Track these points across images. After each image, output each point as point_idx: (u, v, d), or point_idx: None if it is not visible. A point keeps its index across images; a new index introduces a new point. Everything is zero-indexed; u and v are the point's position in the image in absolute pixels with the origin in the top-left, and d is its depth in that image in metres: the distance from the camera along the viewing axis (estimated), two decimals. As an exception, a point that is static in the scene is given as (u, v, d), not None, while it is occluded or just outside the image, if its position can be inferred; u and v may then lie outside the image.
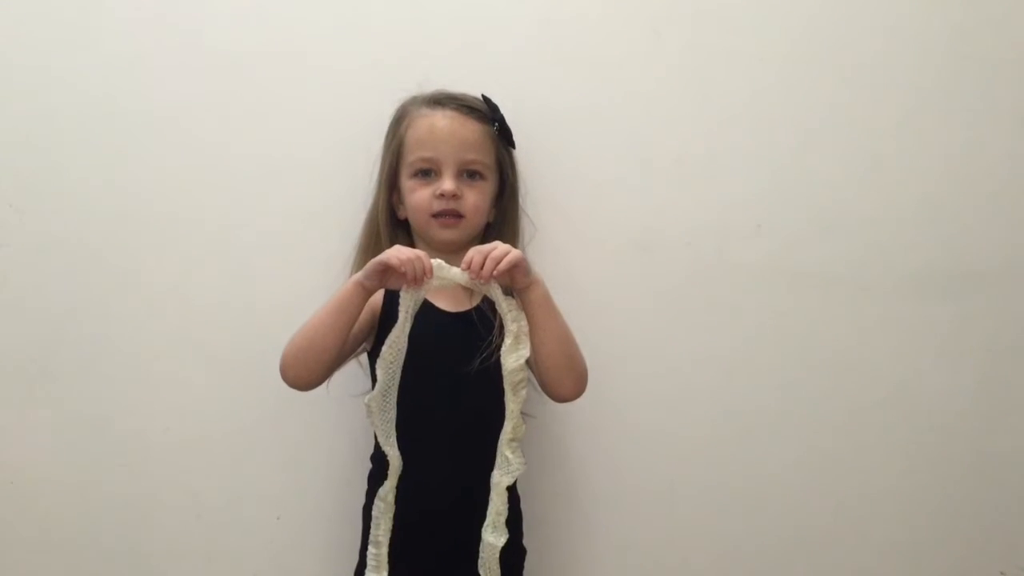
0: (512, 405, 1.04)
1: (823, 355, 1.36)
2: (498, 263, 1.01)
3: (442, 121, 1.16)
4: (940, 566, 1.39)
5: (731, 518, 1.36)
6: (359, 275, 1.05)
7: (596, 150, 1.32)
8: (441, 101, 1.18)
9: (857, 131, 1.35)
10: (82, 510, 1.31)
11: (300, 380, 1.09)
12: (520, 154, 1.24)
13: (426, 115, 1.17)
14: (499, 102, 1.20)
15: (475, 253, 1.02)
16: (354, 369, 1.21)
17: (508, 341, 1.03)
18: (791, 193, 1.34)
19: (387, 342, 1.03)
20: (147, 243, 1.30)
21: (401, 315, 1.02)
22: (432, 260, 1.02)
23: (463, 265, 1.02)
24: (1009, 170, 1.37)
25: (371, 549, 1.08)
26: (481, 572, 1.06)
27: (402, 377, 1.05)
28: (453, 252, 1.09)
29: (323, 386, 1.12)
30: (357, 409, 1.23)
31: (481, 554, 1.06)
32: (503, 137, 1.20)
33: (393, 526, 1.08)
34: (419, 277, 1.01)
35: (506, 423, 1.04)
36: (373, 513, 1.08)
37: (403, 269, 1.00)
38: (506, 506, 1.05)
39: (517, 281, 1.04)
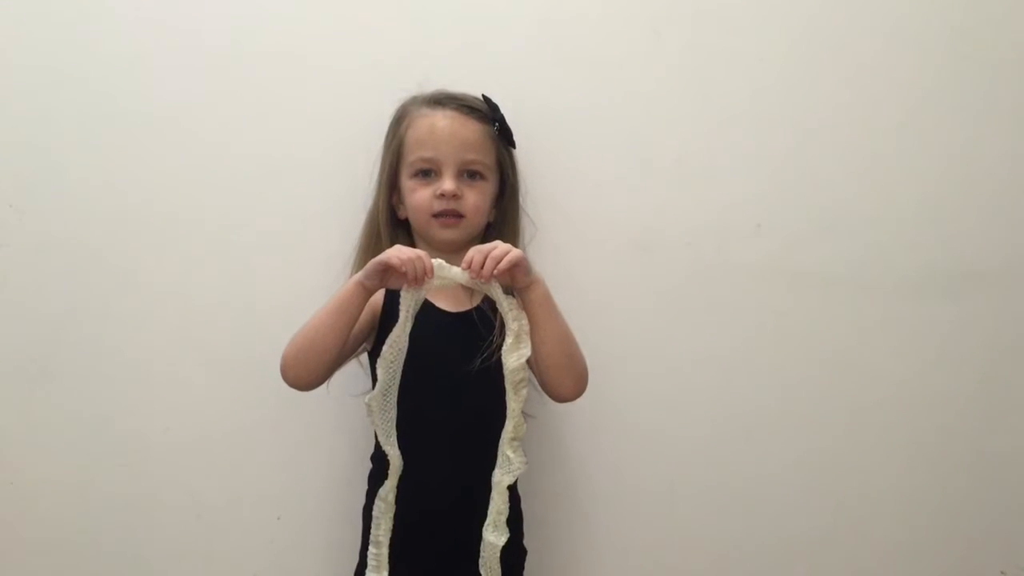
0: (513, 404, 1.04)
1: (823, 355, 1.36)
2: (498, 262, 1.01)
3: (442, 121, 1.16)
4: (940, 566, 1.39)
5: (731, 518, 1.36)
6: (359, 275, 1.05)
7: (596, 150, 1.32)
8: (441, 101, 1.18)
9: (857, 131, 1.35)
10: (82, 510, 1.31)
11: (300, 380, 1.09)
12: (520, 154, 1.24)
13: (426, 115, 1.17)
14: (499, 102, 1.20)
15: (475, 252, 1.02)
16: (354, 369, 1.21)
17: (509, 340, 1.03)
18: (791, 193, 1.34)
19: (388, 342, 1.03)
20: (147, 243, 1.29)
21: (402, 315, 1.02)
22: (432, 260, 1.02)
23: (463, 264, 1.02)
24: (1009, 170, 1.37)
25: (372, 549, 1.08)
26: (482, 571, 1.06)
27: (402, 377, 1.05)
28: (453, 252, 1.08)
29: (323, 386, 1.12)
30: (357, 409, 1.23)
31: (482, 553, 1.06)
32: (503, 137, 1.20)
33: (393, 526, 1.08)
34: (420, 277, 1.01)
35: (507, 422, 1.04)
36: (374, 513, 1.08)
37: (404, 269, 1.00)
38: (507, 505, 1.05)
39: (518, 280, 1.04)
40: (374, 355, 1.11)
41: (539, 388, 1.12)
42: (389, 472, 1.07)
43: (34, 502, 1.30)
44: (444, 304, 1.15)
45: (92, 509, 1.31)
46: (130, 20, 1.28)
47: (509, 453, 1.04)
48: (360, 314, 1.07)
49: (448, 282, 1.03)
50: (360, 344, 1.15)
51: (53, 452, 1.30)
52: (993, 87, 1.36)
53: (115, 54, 1.28)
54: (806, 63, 1.34)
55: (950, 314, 1.37)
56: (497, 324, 1.10)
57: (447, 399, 1.12)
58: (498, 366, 1.05)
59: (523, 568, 1.19)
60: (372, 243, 1.20)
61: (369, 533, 1.09)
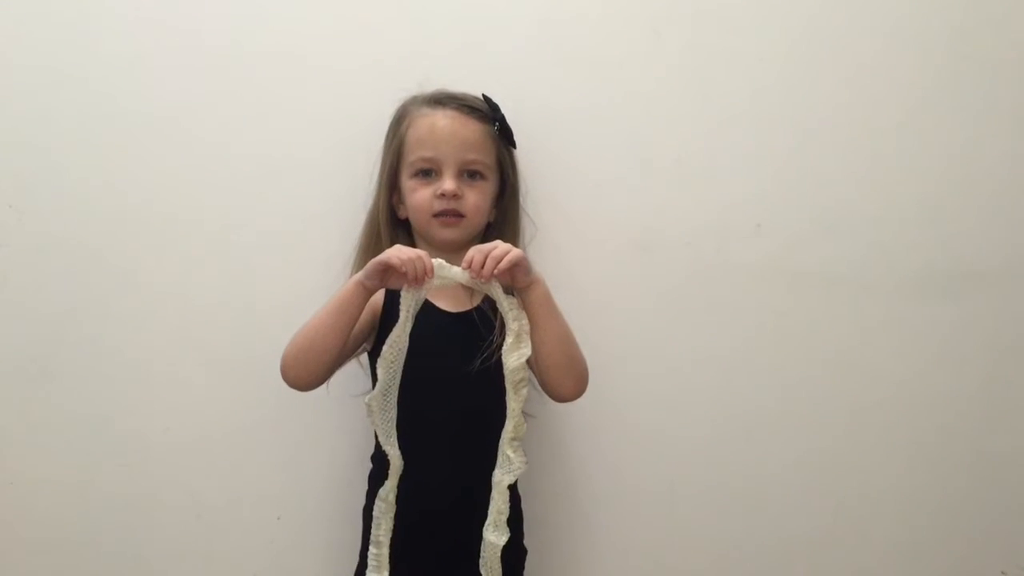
0: (513, 404, 1.04)
1: (823, 355, 1.36)
2: (499, 262, 1.01)
3: (443, 121, 1.16)
4: (940, 566, 1.39)
5: (731, 518, 1.36)
6: (360, 275, 1.05)
7: (596, 150, 1.32)
8: (442, 101, 1.18)
9: (857, 131, 1.35)
10: (82, 510, 1.31)
11: (301, 380, 1.09)
12: (520, 154, 1.24)
13: (427, 115, 1.17)
14: (499, 102, 1.20)
15: (476, 252, 1.02)
16: (354, 369, 1.21)
17: (509, 340, 1.03)
18: (791, 193, 1.34)
19: (388, 341, 1.03)
20: (147, 243, 1.29)
21: (402, 315, 1.02)
22: (433, 259, 1.02)
23: (464, 264, 1.02)
24: (1009, 170, 1.37)
25: (372, 549, 1.08)
26: (482, 571, 1.06)
27: (403, 377, 1.05)
28: (454, 252, 1.08)
29: (323, 386, 1.12)
30: (357, 409, 1.23)
31: (483, 553, 1.06)
32: (504, 137, 1.20)
33: (394, 526, 1.08)
34: (420, 277, 1.01)
35: (507, 422, 1.04)
36: (374, 513, 1.08)
37: (404, 269, 1.00)
38: (507, 505, 1.05)
39: (518, 280, 1.04)
40: (374, 355, 1.11)
41: (539, 388, 1.12)
42: (389, 472, 1.07)
43: (34, 502, 1.30)
44: (444, 304, 1.15)
45: (92, 509, 1.31)
46: (130, 20, 1.28)
47: (509, 453, 1.04)
48: (360, 314, 1.07)
49: (448, 282, 1.03)
50: (360, 344, 1.15)
51: (53, 452, 1.30)
52: (993, 87, 1.36)
53: (115, 54, 1.28)
54: (806, 63, 1.34)
55: (951, 314, 1.37)
56: (497, 324, 1.10)
57: (447, 399, 1.12)
58: (498, 366, 1.05)
59: (523, 568, 1.19)
60: (372, 243, 1.19)
61: (369, 533, 1.09)
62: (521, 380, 1.04)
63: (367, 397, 1.06)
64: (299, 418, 1.29)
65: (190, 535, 1.32)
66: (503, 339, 1.05)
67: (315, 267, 1.25)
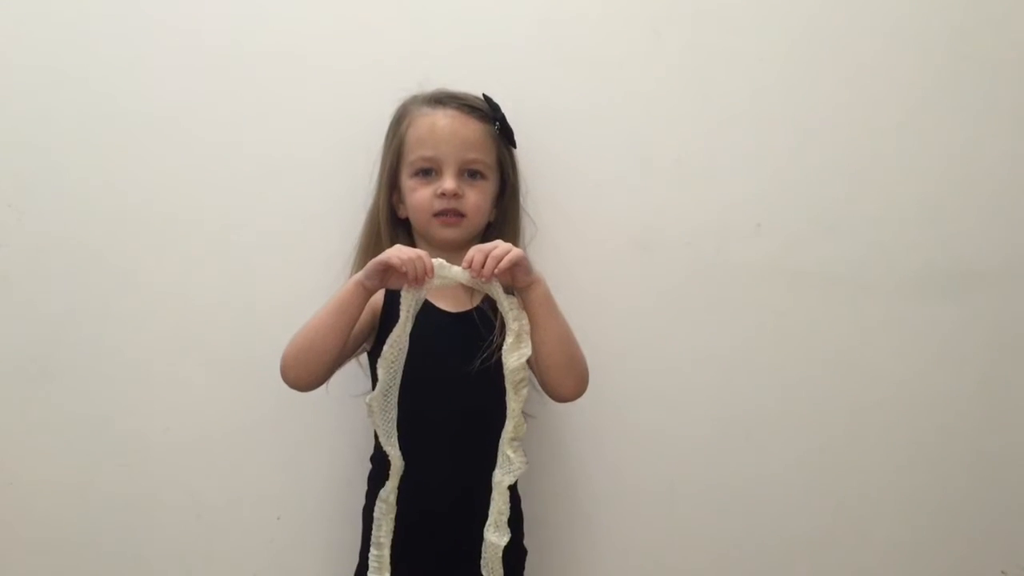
0: (513, 404, 1.03)
1: (823, 355, 1.36)
2: (499, 261, 1.01)
3: (443, 120, 1.16)
4: (940, 566, 1.39)
5: (731, 518, 1.36)
6: (360, 275, 1.05)
7: (596, 150, 1.32)
8: (442, 100, 1.18)
9: (857, 131, 1.35)
10: (82, 510, 1.31)
11: (301, 381, 1.09)
12: (521, 154, 1.24)
13: (427, 114, 1.17)
14: (499, 102, 1.20)
15: (476, 252, 1.02)
16: (354, 369, 1.21)
17: (509, 340, 1.03)
18: (791, 193, 1.34)
19: (388, 342, 1.03)
20: (147, 243, 1.29)
21: (402, 315, 1.02)
22: (433, 259, 1.02)
23: (464, 264, 1.02)
24: (1009, 170, 1.37)
25: (373, 551, 1.08)
26: (483, 572, 1.06)
27: (402, 377, 1.05)
28: (454, 251, 1.08)
29: (323, 386, 1.11)
30: (357, 409, 1.23)
31: (484, 554, 1.06)
32: (504, 136, 1.20)
33: (394, 527, 1.08)
34: (420, 276, 1.01)
35: (507, 422, 1.04)
36: (375, 515, 1.08)
37: (404, 269, 1.00)
38: (508, 505, 1.05)
39: (518, 280, 1.04)
40: (374, 355, 1.11)
41: (539, 388, 1.12)
42: (390, 473, 1.07)
43: (34, 502, 1.30)
44: (444, 304, 1.15)
45: (92, 509, 1.31)
46: (130, 20, 1.28)
47: (509, 453, 1.04)
48: (360, 314, 1.07)
49: (449, 281, 1.03)
50: (360, 344, 1.15)
51: (53, 452, 1.30)
52: (993, 87, 1.36)
53: (115, 54, 1.28)
54: (806, 63, 1.34)
55: (950, 314, 1.37)
56: (497, 324, 1.10)
57: (447, 399, 1.12)
58: (498, 366, 1.05)
59: (523, 568, 1.19)
60: (372, 243, 1.19)
61: (369, 534, 1.09)
62: (521, 380, 1.03)
63: (368, 398, 1.06)
64: (299, 418, 1.29)
65: (190, 535, 1.31)
66: (503, 339, 1.05)
67: (315, 267, 1.25)
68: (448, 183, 1.14)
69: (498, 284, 1.03)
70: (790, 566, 1.38)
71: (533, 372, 1.09)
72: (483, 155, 1.17)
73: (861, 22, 1.34)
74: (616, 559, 1.36)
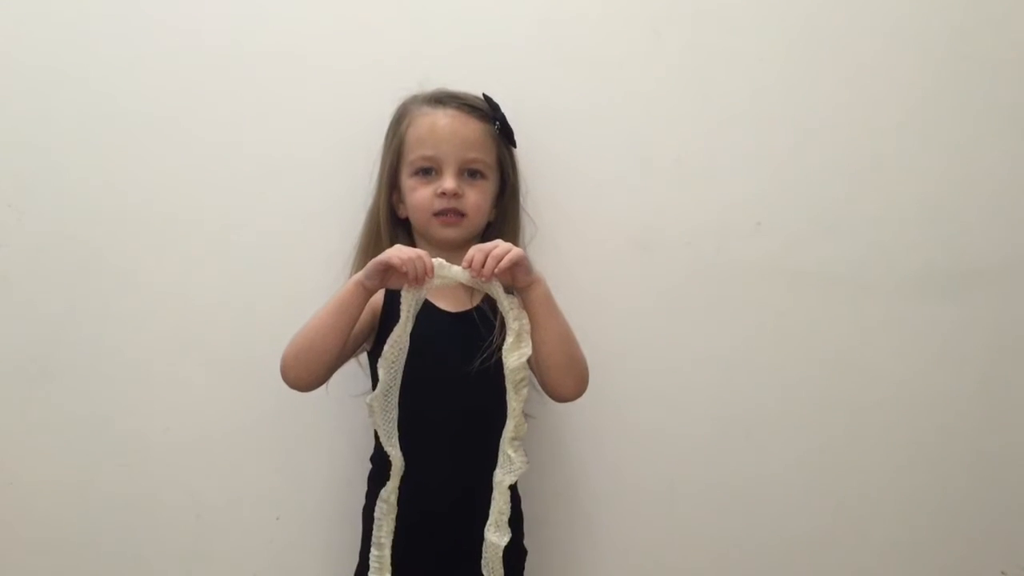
0: (514, 404, 1.03)
1: (823, 355, 1.36)
2: (499, 261, 1.01)
3: (443, 120, 1.16)
4: (940, 566, 1.39)
5: (731, 518, 1.36)
6: (360, 275, 1.05)
7: (596, 150, 1.32)
8: (442, 100, 1.18)
9: (857, 131, 1.35)
10: (82, 510, 1.31)
11: (301, 381, 1.09)
12: (520, 153, 1.24)
13: (427, 114, 1.17)
14: (499, 102, 1.20)
15: (476, 251, 1.02)
16: (354, 369, 1.21)
17: (510, 339, 1.03)
18: (791, 192, 1.34)
19: (389, 342, 1.03)
20: (147, 243, 1.29)
21: (403, 315, 1.02)
22: (433, 259, 1.02)
23: (464, 263, 1.02)
24: (1009, 170, 1.37)
25: (374, 551, 1.08)
26: (484, 572, 1.06)
27: (403, 377, 1.05)
28: (454, 251, 1.08)
29: (323, 387, 1.11)
30: (357, 409, 1.23)
31: (484, 554, 1.06)
32: (504, 136, 1.20)
33: (394, 527, 1.08)
34: (420, 276, 1.01)
35: (508, 422, 1.04)
36: (375, 515, 1.08)
37: (404, 269, 1.00)
38: (508, 505, 1.05)
39: (518, 279, 1.04)
40: (374, 355, 1.11)
41: (539, 388, 1.12)
42: (391, 473, 1.06)
43: (34, 502, 1.30)
44: (444, 304, 1.15)
45: (92, 509, 1.31)
46: (130, 20, 1.28)
47: (510, 453, 1.04)
48: (360, 314, 1.07)
49: (449, 281, 1.03)
50: (360, 344, 1.15)
51: (53, 452, 1.30)
52: (993, 87, 1.36)
53: (115, 54, 1.28)
54: (806, 63, 1.34)
55: (951, 314, 1.37)
56: (497, 324, 1.10)
57: (447, 399, 1.12)
58: (498, 366, 1.05)
59: (523, 568, 1.19)
60: (372, 242, 1.19)
61: (369, 534, 1.09)
62: (522, 380, 1.03)
63: (368, 398, 1.06)
64: (299, 418, 1.29)
65: (190, 535, 1.31)
66: (503, 339, 1.05)
67: (315, 267, 1.25)
68: (448, 182, 1.14)
69: (498, 284, 1.03)
70: (790, 566, 1.38)
71: (533, 372, 1.09)
72: (483, 155, 1.17)
73: (861, 22, 1.34)
74: (616, 559, 1.36)
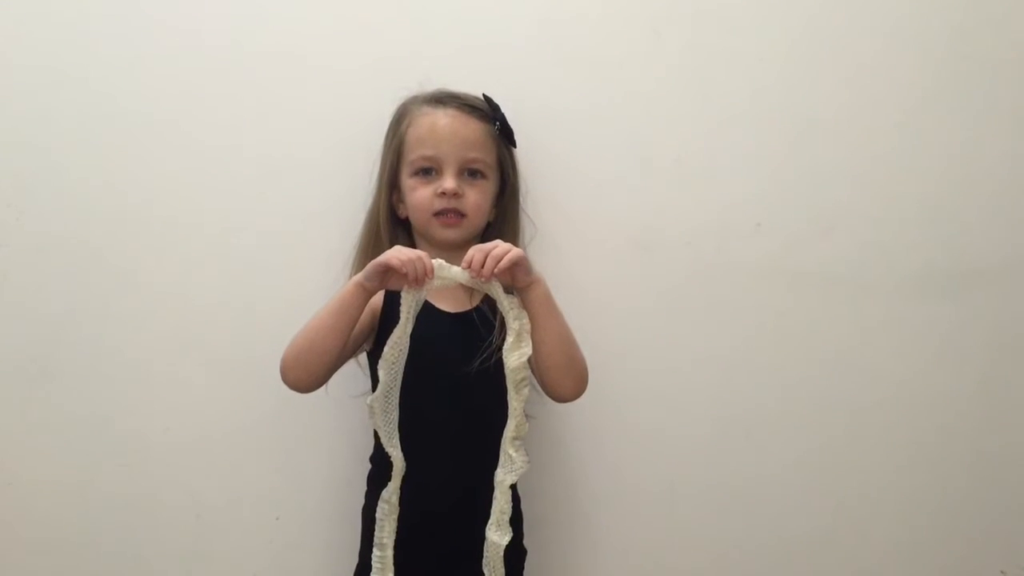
0: (515, 403, 1.03)
1: (823, 355, 1.36)
2: (499, 261, 1.01)
3: (443, 120, 1.16)
4: (940, 566, 1.39)
5: (731, 518, 1.36)
6: (359, 276, 1.04)
7: (596, 150, 1.32)
8: (442, 100, 1.18)
9: (857, 131, 1.35)
10: (82, 510, 1.31)
11: (301, 382, 1.09)
12: (520, 154, 1.24)
13: (427, 113, 1.17)
14: (499, 102, 1.20)
15: (476, 251, 1.02)
16: (353, 370, 1.21)
17: (510, 339, 1.03)
18: (791, 192, 1.34)
19: (389, 343, 1.03)
20: (147, 243, 1.29)
21: (403, 316, 1.02)
22: (433, 260, 1.02)
23: (464, 264, 1.02)
24: (1009, 170, 1.37)
25: (376, 552, 1.07)
26: (485, 571, 1.06)
27: (403, 378, 1.05)
28: (454, 251, 1.08)
29: (322, 387, 1.11)
30: (357, 410, 1.23)
31: (485, 553, 1.06)
32: (504, 136, 1.20)
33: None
34: (420, 277, 1.01)
35: (509, 421, 1.04)
36: (377, 515, 1.08)
37: (404, 270, 1.00)
38: (510, 505, 1.05)
39: (518, 280, 1.04)
40: (374, 356, 1.11)
41: (538, 389, 1.12)
42: (392, 473, 1.06)
43: (34, 502, 1.30)
44: (444, 305, 1.15)
45: (92, 509, 1.31)
46: (130, 20, 1.28)
47: (511, 452, 1.04)
48: (360, 315, 1.07)
49: (449, 282, 1.03)
50: (359, 345, 1.15)
51: (53, 452, 1.30)
52: (993, 87, 1.36)
53: (115, 54, 1.28)
54: (806, 63, 1.34)
55: (950, 313, 1.37)
56: (497, 324, 1.10)
57: (448, 400, 1.12)
58: (498, 366, 1.05)
59: (523, 568, 1.19)
60: (372, 242, 1.19)
61: (368, 534, 1.09)
62: (522, 379, 1.03)
63: (369, 399, 1.06)
64: (298, 418, 1.29)
65: (190, 535, 1.31)
66: (503, 339, 1.05)
67: (315, 267, 1.25)
68: (448, 182, 1.14)
69: (498, 284, 1.03)
70: (790, 566, 1.38)
71: (532, 372, 1.09)
72: (483, 154, 1.17)
73: (861, 22, 1.34)
74: (616, 559, 1.36)
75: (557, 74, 1.31)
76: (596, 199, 1.32)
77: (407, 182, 1.17)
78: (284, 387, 1.09)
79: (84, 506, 1.31)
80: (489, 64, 1.29)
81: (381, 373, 1.04)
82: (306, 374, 1.08)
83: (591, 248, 1.32)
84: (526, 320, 1.04)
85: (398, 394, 1.05)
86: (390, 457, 1.05)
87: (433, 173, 1.16)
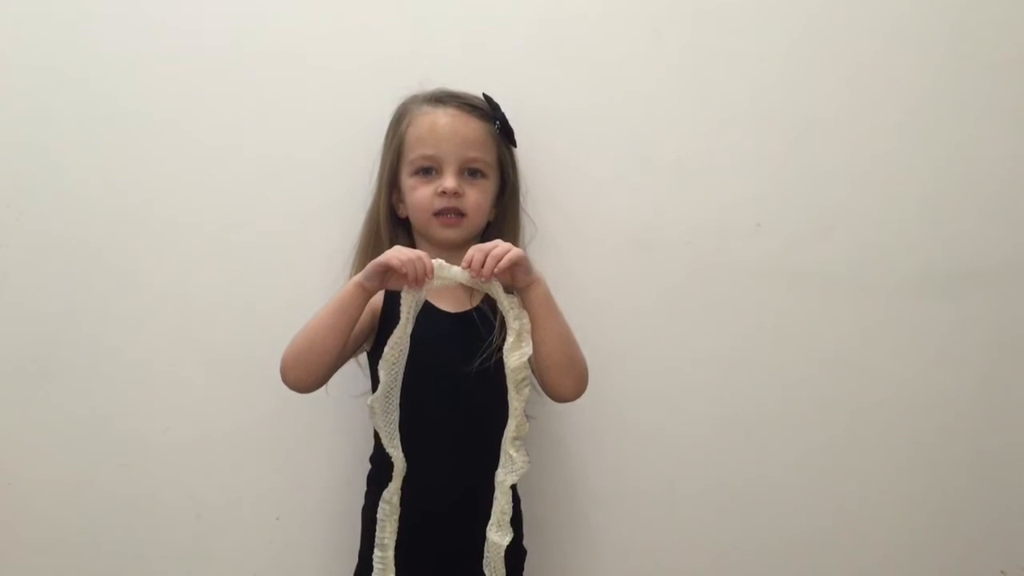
0: (515, 403, 1.03)
1: (823, 355, 1.36)
2: (499, 261, 1.01)
3: (444, 119, 1.16)
4: (940, 566, 1.39)
5: (731, 518, 1.36)
6: (359, 276, 1.04)
7: (596, 150, 1.32)
8: (442, 99, 1.18)
9: (857, 131, 1.35)
10: (82, 510, 1.31)
11: (301, 383, 1.09)
12: (520, 153, 1.24)
13: (427, 113, 1.17)
14: (499, 102, 1.20)
15: (476, 251, 1.02)
16: (353, 370, 1.21)
17: (510, 339, 1.03)
18: (791, 192, 1.34)
19: (389, 343, 1.03)
20: (147, 243, 1.29)
21: (403, 316, 1.02)
22: (433, 260, 1.02)
23: (464, 263, 1.02)
24: (1009, 170, 1.37)
25: (377, 552, 1.07)
26: (486, 572, 1.06)
27: (403, 378, 1.05)
28: (454, 251, 1.08)
29: (322, 387, 1.11)
30: (357, 410, 1.23)
31: (486, 553, 1.06)
32: (504, 135, 1.20)
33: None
34: (420, 277, 1.01)
35: (510, 421, 1.04)
36: (378, 516, 1.07)
37: (404, 270, 1.00)
38: (511, 505, 1.05)
39: (518, 279, 1.04)
40: (374, 356, 1.11)
41: (538, 389, 1.12)
42: (393, 474, 1.06)
43: (34, 502, 1.30)
44: (444, 305, 1.15)
45: (92, 509, 1.31)
46: (130, 20, 1.28)
47: (512, 452, 1.04)
48: (360, 315, 1.07)
49: (449, 282, 1.03)
50: (359, 345, 1.15)
51: (53, 452, 1.30)
52: (993, 87, 1.36)
53: (115, 54, 1.28)
54: (806, 63, 1.34)
55: (950, 314, 1.37)
56: (497, 324, 1.10)
57: (448, 400, 1.12)
58: (498, 366, 1.05)
59: (523, 568, 1.19)
60: (372, 242, 1.19)
61: (368, 534, 1.09)
62: (523, 379, 1.03)
63: (369, 399, 1.05)
64: (298, 419, 1.29)
65: (190, 535, 1.31)
66: (503, 339, 1.05)
67: (315, 267, 1.25)
68: (448, 182, 1.14)
69: (498, 284, 1.03)
70: (790, 566, 1.38)
71: (533, 372, 1.09)
72: (483, 154, 1.17)
73: (861, 22, 1.34)
74: (616, 559, 1.36)
75: (557, 74, 1.31)
76: (596, 199, 1.32)
77: (407, 181, 1.17)
78: (284, 387, 1.09)
79: (84, 506, 1.31)
80: (489, 64, 1.29)
81: (381, 373, 1.04)
82: (306, 374, 1.08)
83: (591, 248, 1.32)
84: (526, 320, 1.04)
85: (399, 394, 1.05)
86: (390, 457, 1.05)
87: (433, 172, 1.16)
